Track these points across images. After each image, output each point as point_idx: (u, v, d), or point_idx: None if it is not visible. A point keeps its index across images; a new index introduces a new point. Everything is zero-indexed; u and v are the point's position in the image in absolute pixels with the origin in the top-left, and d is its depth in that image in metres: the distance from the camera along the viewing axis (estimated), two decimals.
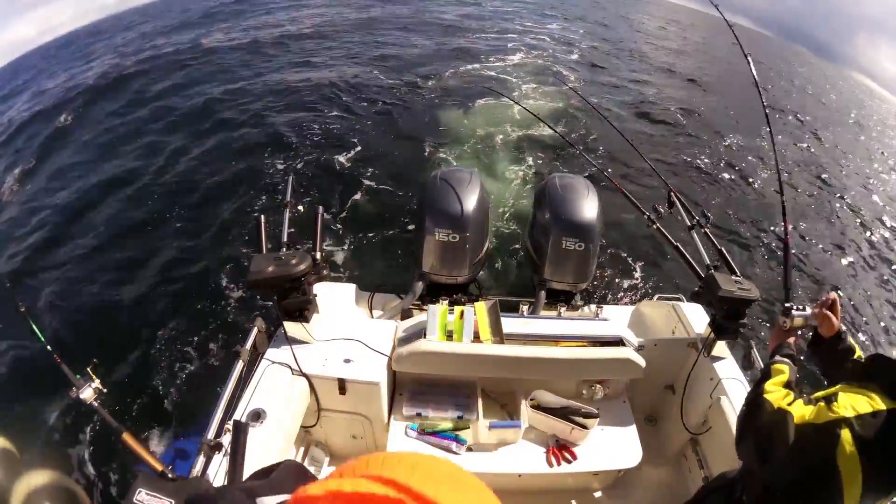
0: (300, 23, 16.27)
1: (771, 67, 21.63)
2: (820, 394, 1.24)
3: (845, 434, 1.08)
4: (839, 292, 5.75)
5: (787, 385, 1.33)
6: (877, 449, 1.06)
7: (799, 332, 1.53)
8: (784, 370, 1.37)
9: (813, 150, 11.61)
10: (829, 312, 1.45)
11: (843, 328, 1.46)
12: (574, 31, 19.97)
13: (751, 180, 8.94)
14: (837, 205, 8.87)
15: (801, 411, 1.20)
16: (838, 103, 19.29)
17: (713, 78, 16.79)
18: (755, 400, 1.30)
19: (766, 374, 1.38)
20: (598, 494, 2.20)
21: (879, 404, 1.11)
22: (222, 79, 11.03)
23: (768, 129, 2.18)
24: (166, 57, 13.33)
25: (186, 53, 13.44)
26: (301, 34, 14.78)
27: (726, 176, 8.87)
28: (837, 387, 1.22)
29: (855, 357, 1.40)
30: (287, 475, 0.85)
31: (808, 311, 1.52)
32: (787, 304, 1.55)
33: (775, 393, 1.29)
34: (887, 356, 1.21)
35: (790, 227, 1.92)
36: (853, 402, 1.13)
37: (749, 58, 2.25)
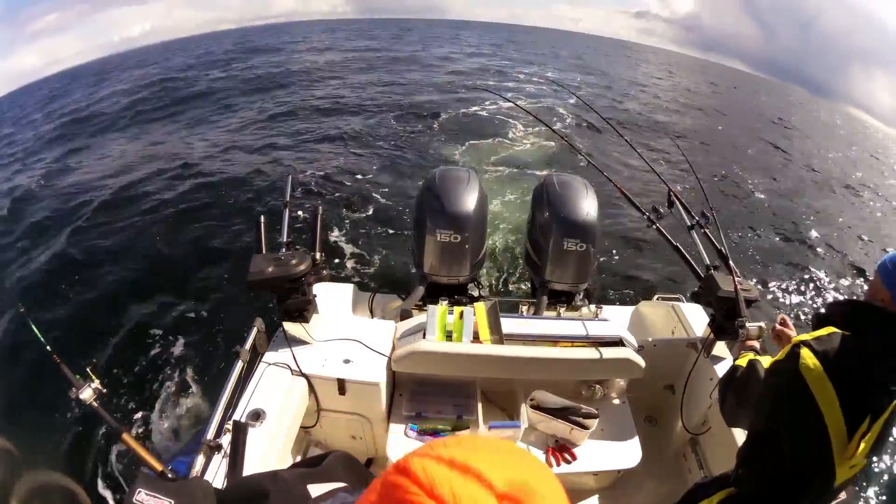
0: (307, 63, 16.57)
1: (764, 110, 21.76)
2: None
3: (805, 352, 1.16)
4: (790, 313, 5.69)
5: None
6: (840, 362, 1.12)
7: (757, 339, 1.69)
8: (748, 354, 1.56)
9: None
10: (782, 328, 1.63)
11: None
12: (571, 75, 20.30)
13: (751, 180, 8.95)
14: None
15: (769, 361, 1.34)
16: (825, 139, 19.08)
17: (707, 105, 16.99)
18: (730, 369, 1.50)
19: (735, 360, 1.58)
20: (597, 495, 2.20)
21: (834, 329, 1.19)
22: (226, 111, 11.14)
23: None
24: (174, 92, 13.52)
25: (193, 92, 13.64)
26: (306, 71, 14.98)
27: (726, 177, 8.87)
28: None
29: None
30: (337, 464, 0.84)
31: (762, 322, 1.70)
32: (740, 319, 1.72)
33: (745, 360, 1.49)
34: (841, 299, 1.38)
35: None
36: (810, 334, 1.23)
37: None
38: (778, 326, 1.62)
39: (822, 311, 1.32)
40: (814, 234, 7.56)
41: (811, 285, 6.16)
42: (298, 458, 2.14)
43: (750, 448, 1.36)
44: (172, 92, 13.33)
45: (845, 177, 12.15)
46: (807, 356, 1.14)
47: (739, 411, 1.42)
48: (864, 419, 1.11)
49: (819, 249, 7.16)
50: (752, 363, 1.39)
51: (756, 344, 1.66)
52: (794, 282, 6.10)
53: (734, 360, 1.58)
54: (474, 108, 10.56)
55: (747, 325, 1.69)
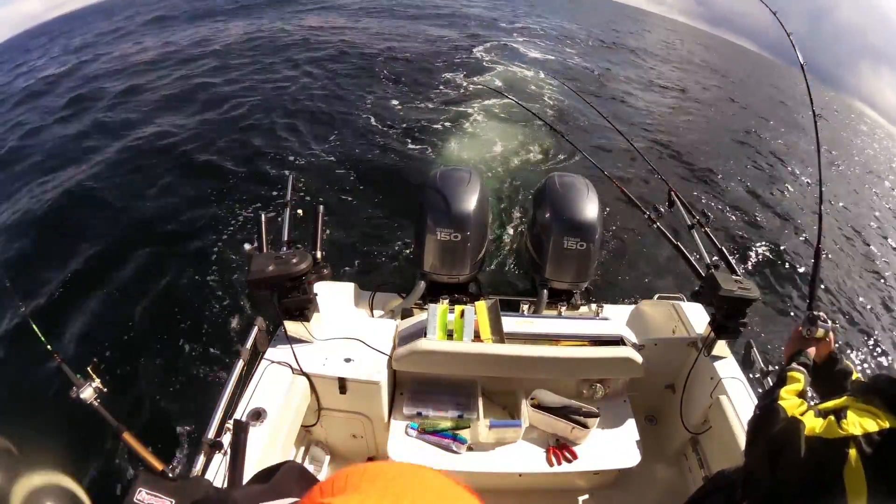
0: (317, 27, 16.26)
1: (776, 88, 21.53)
2: (829, 404, 1.25)
3: (853, 453, 1.10)
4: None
5: (801, 394, 1.33)
6: (881, 467, 1.09)
7: (819, 342, 1.51)
8: (800, 378, 1.37)
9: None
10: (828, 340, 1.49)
11: (836, 351, 1.49)
12: (573, 42, 20.04)
13: (752, 179, 8.95)
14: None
15: (812, 423, 1.21)
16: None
17: (712, 86, 16.89)
18: (770, 405, 1.30)
19: (782, 380, 1.37)
20: (598, 494, 2.20)
21: (884, 422, 1.13)
22: (223, 71, 11.08)
23: (816, 146, 2.09)
24: (175, 46, 13.35)
25: (196, 45, 13.47)
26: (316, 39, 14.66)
27: (726, 175, 8.87)
28: (844, 399, 1.23)
29: (853, 378, 1.43)
30: (289, 477, 0.84)
31: (830, 323, 1.50)
32: (815, 313, 1.51)
33: (789, 401, 1.30)
34: (889, 375, 1.24)
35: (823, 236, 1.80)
36: (861, 421, 1.14)
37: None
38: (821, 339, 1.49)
39: (868, 381, 1.27)
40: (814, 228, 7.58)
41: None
42: (300, 457, 2.14)
43: (764, 495, 1.31)
44: (176, 54, 12.93)
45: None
46: (853, 458, 1.10)
47: (764, 469, 1.28)
48: None
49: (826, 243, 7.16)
50: (794, 425, 1.22)
51: (813, 351, 1.49)
52: (795, 279, 6.11)
53: (781, 378, 1.39)
54: (477, 100, 10.51)
55: (820, 323, 1.48)
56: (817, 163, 2.00)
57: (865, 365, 5.22)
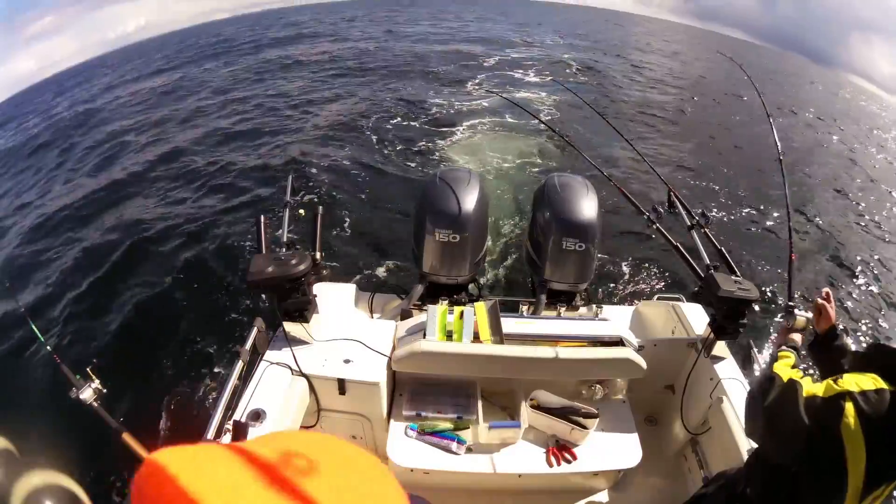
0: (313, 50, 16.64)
1: (769, 77, 21.66)
2: (828, 378, 1.27)
3: (849, 407, 1.10)
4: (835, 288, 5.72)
5: (794, 367, 1.39)
6: (879, 426, 1.08)
7: (801, 331, 1.58)
8: (790, 355, 1.43)
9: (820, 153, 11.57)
10: (824, 302, 1.52)
11: (839, 323, 1.53)
12: (570, 45, 20.20)
13: (751, 179, 8.94)
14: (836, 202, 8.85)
15: (810, 386, 1.24)
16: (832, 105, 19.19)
17: (709, 84, 16.92)
18: (767, 375, 1.34)
19: (774, 359, 1.44)
20: (598, 494, 2.20)
21: (882, 384, 1.14)
22: (219, 105, 11.23)
23: (775, 140, 2.32)
24: (185, 80, 13.62)
25: (187, 86, 13.79)
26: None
27: (726, 175, 8.87)
28: (842, 374, 1.25)
29: (851, 350, 1.46)
30: None
31: (810, 313, 1.57)
32: (790, 304, 1.61)
33: (785, 370, 1.35)
34: (886, 344, 1.26)
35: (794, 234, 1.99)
36: (857, 380, 1.16)
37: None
38: (819, 301, 1.53)
39: (865, 351, 1.28)
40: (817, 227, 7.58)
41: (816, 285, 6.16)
42: None
43: (766, 476, 1.33)
44: (160, 90, 13.36)
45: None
46: (850, 414, 1.10)
47: (763, 434, 1.32)
48: (882, 484, 1.10)
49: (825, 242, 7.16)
50: (791, 385, 1.25)
51: (798, 337, 1.55)
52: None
53: (773, 358, 1.44)
54: (476, 104, 10.50)
55: (796, 312, 1.57)
56: (784, 193, 2.20)
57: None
